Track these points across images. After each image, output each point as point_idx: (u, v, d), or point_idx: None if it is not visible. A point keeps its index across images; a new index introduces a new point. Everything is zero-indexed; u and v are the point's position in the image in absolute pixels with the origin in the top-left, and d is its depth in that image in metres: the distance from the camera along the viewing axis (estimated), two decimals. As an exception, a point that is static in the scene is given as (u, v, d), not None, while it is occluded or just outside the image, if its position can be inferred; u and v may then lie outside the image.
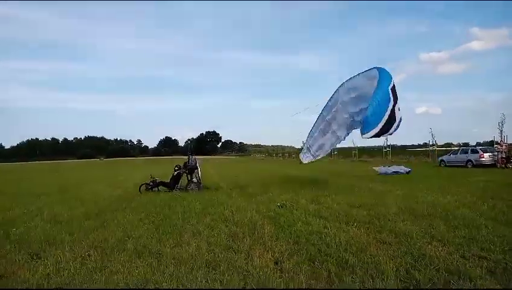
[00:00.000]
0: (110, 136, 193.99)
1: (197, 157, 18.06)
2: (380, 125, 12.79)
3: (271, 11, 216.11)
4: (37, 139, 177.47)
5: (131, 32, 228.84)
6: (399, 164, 30.51)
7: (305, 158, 17.81)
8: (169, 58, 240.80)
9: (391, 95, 13.00)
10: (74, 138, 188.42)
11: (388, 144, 49.05)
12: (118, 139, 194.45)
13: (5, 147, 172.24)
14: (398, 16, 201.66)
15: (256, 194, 13.89)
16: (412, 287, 4.67)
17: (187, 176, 16.36)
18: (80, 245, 7.05)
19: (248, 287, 4.80)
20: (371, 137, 12.74)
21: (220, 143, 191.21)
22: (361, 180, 19.54)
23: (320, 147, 17.15)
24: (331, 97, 15.97)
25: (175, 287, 4.86)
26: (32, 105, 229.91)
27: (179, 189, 15.75)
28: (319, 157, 17.83)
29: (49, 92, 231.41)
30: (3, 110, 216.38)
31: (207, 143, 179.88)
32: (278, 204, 11.09)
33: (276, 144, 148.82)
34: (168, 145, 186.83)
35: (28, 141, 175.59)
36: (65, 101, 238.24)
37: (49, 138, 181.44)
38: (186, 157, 17.42)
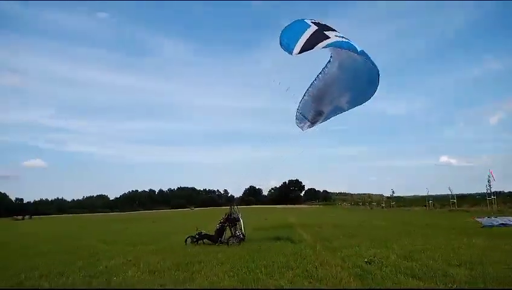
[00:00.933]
0: (199, 187, 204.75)
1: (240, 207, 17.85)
2: (303, 40, 11.63)
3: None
4: (136, 190, 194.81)
5: (219, 91, 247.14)
6: (507, 215, 26.87)
7: (304, 127, 16.86)
8: (252, 111, 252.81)
9: (311, 23, 12.39)
10: (168, 189, 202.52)
11: (493, 190, 43.72)
12: (207, 189, 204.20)
13: (110, 198, 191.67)
14: (493, 52, 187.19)
15: (342, 248, 13.32)
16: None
17: (230, 229, 16.45)
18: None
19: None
20: (300, 50, 11.40)
21: (304, 192, 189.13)
22: (462, 233, 17.58)
23: (319, 114, 16.29)
24: (322, 69, 15.04)
25: None
26: (134, 160, 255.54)
27: (222, 242, 15.95)
28: (319, 123, 16.72)
29: (147, 147, 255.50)
30: (110, 165, 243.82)
31: (290, 192, 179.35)
32: (366, 260, 10.48)
33: (362, 192, 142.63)
34: (252, 195, 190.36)
35: (129, 192, 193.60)
36: (160, 155, 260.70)
37: (146, 189, 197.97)
38: (237, 207, 17.50)
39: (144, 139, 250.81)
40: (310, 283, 8.13)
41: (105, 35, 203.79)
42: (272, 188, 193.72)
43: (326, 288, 6.46)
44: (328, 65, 14.75)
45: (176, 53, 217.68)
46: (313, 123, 16.72)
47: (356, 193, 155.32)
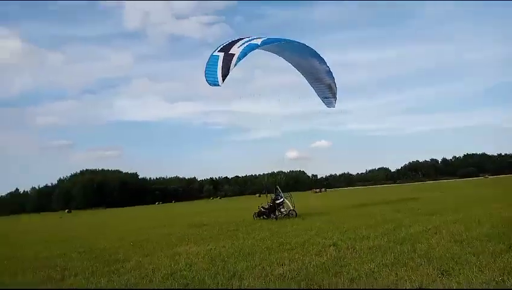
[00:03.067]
0: (492, 152, 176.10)
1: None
2: (220, 71, 14.44)
3: None
4: (417, 161, 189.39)
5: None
6: None
7: (333, 103, 21.52)
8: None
9: (218, 52, 15.12)
10: (453, 157, 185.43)
11: None
12: (503, 153, 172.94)
13: (391, 170, 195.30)
14: None
15: None
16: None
17: (276, 208, 20.92)
18: (488, 268, 6.67)
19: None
20: (223, 79, 14.27)
21: None
22: None
23: (330, 86, 20.67)
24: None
25: None
26: (409, 130, 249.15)
27: (274, 217, 20.37)
28: (336, 92, 21.11)
29: (420, 116, 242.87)
30: (387, 138, 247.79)
31: None
32: None
33: None
34: None
35: (409, 163, 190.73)
36: (438, 122, 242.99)
37: (428, 159, 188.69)
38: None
39: (415, 108, 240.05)
40: None
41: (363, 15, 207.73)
42: None
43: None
44: (291, 64, 20.49)
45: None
46: (335, 97, 21.32)
47: None
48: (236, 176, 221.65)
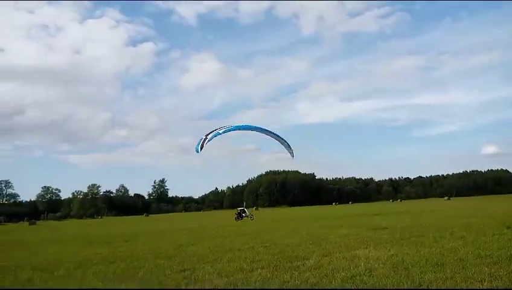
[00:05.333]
0: None
1: None
2: (200, 145, 25.73)
3: None
4: None
5: None
6: None
7: (292, 155, 33.47)
8: None
9: (204, 136, 26.32)
10: None
11: None
12: None
13: None
14: None
15: None
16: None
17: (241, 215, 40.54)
18: None
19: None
20: (200, 149, 25.68)
21: None
22: None
23: (289, 147, 31.80)
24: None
25: None
26: None
27: (240, 218, 39.96)
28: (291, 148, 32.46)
29: None
30: None
31: None
32: None
33: None
34: None
35: None
36: None
37: None
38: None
39: None
40: None
41: None
42: None
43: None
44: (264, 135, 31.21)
45: None
46: (292, 151, 32.42)
47: None
48: (419, 176, 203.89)
